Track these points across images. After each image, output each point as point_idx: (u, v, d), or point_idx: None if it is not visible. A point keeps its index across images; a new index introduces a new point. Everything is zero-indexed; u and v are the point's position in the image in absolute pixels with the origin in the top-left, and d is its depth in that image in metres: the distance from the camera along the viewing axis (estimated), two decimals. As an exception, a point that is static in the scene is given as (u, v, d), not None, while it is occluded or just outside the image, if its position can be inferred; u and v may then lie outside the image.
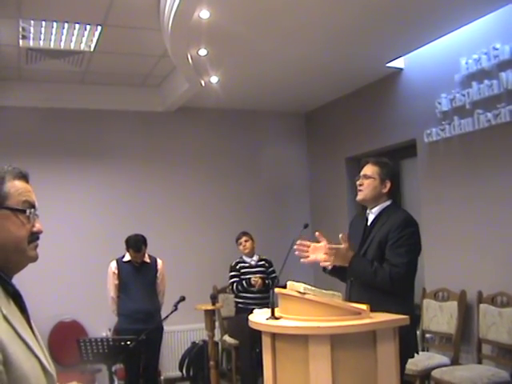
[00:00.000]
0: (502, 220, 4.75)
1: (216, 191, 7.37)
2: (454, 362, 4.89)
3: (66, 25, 5.08)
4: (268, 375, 3.04)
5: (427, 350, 5.30)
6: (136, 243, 5.47)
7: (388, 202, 3.49)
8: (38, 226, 1.58)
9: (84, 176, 6.86)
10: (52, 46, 5.52)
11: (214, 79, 5.97)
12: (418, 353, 3.47)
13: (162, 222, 7.03)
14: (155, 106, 7.19)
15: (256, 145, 7.66)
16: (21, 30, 5.12)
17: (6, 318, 1.41)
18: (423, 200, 5.67)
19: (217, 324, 6.27)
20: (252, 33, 4.90)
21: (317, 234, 3.39)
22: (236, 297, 6.31)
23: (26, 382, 1.38)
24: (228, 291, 6.63)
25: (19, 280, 1.56)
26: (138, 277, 5.56)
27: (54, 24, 5.05)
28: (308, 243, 3.42)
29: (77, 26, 5.10)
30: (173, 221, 7.15)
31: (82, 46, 5.58)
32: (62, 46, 5.56)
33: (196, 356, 6.41)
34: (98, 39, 5.40)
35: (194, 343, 6.66)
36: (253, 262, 6.35)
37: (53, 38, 5.34)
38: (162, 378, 6.54)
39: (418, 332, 4.32)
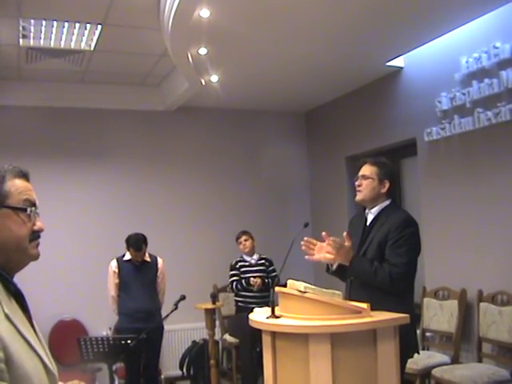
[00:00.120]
0: (502, 219, 4.75)
1: (216, 190, 7.38)
2: (455, 360, 4.89)
3: (67, 24, 5.08)
4: (268, 374, 3.05)
5: (427, 349, 5.31)
6: (136, 242, 5.47)
7: (387, 202, 3.49)
8: (39, 225, 1.58)
9: (84, 175, 6.86)
10: (52, 45, 5.52)
11: (214, 78, 5.97)
12: (418, 352, 3.47)
13: (162, 221, 7.03)
14: (155, 105, 7.19)
15: (256, 144, 7.66)
16: (21, 29, 5.12)
17: (7, 317, 1.41)
18: (423, 199, 5.67)
19: (217, 323, 6.27)
20: (252, 32, 4.90)
21: (323, 234, 3.39)
22: (236, 296, 6.32)
23: (28, 380, 1.38)
24: (228, 290, 6.63)
25: (20, 279, 1.56)
26: (138, 276, 5.56)
27: (55, 23, 5.05)
28: (314, 241, 3.42)
29: (77, 25, 5.10)
30: (173, 220, 7.16)
31: (83, 46, 5.58)
32: (63, 46, 5.55)
33: (196, 355, 6.41)
34: (98, 38, 5.40)
35: (194, 342, 6.67)
36: (253, 261, 6.36)
37: (53, 37, 5.34)
38: (162, 376, 6.54)
39: (418, 331, 4.32)
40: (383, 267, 3.24)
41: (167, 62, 5.96)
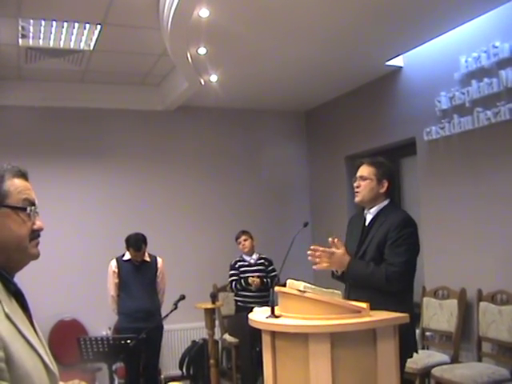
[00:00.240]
0: (502, 218, 4.75)
1: (216, 190, 7.38)
2: (454, 360, 4.89)
3: (66, 24, 5.08)
4: (268, 373, 3.05)
5: (427, 348, 5.31)
6: (136, 242, 5.47)
7: (386, 202, 3.49)
8: (38, 224, 1.59)
9: (84, 175, 6.86)
10: (51, 44, 5.52)
11: (213, 78, 5.97)
12: (417, 352, 3.47)
13: (161, 221, 7.03)
14: (155, 104, 7.19)
15: (256, 143, 7.66)
16: (20, 29, 5.12)
17: (8, 317, 1.41)
18: (423, 198, 5.67)
19: (217, 323, 6.28)
20: (251, 31, 4.90)
21: (330, 239, 3.39)
22: (235, 295, 6.32)
23: (29, 380, 1.38)
24: (228, 290, 6.64)
25: (19, 279, 1.56)
26: (138, 275, 5.56)
27: (54, 23, 5.05)
28: (321, 248, 3.39)
29: (76, 24, 5.10)
30: (172, 219, 7.16)
31: (82, 45, 5.58)
32: (62, 45, 5.55)
33: (196, 355, 6.41)
34: (97, 38, 5.40)
35: (194, 342, 6.67)
36: (252, 261, 6.36)
37: (52, 36, 5.34)
38: (162, 376, 6.54)
39: (417, 331, 4.33)
40: (379, 268, 3.24)
41: (167, 61, 5.96)
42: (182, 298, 4.87)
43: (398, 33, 5.10)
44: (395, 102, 6.11)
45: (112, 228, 6.62)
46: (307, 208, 7.76)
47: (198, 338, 6.72)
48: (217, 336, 6.25)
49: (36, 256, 1.58)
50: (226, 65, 5.74)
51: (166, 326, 5.71)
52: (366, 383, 2.87)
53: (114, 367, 4.78)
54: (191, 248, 7.14)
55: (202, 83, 6.05)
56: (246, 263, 6.33)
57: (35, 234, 1.57)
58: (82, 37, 5.38)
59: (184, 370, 6.46)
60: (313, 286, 2.99)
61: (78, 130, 6.86)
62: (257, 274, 6.21)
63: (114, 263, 5.60)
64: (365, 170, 3.49)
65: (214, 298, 5.74)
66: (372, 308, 2.96)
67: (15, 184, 1.55)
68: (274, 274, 6.26)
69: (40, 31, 5.21)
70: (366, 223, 3.50)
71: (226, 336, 6.60)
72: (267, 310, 3.14)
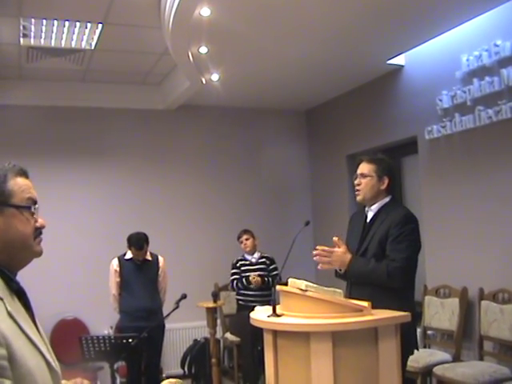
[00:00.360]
0: (503, 216, 4.75)
1: (217, 189, 7.38)
2: (456, 358, 4.88)
3: (67, 23, 5.08)
4: (270, 372, 3.05)
5: (429, 347, 5.31)
6: (138, 241, 5.47)
7: (387, 199, 3.49)
8: (40, 221, 1.60)
9: (85, 174, 6.87)
10: (53, 44, 5.52)
11: (214, 77, 5.97)
12: (417, 349, 3.47)
13: (163, 220, 7.04)
14: (156, 103, 7.19)
15: (257, 142, 7.66)
16: (21, 28, 5.12)
17: (10, 315, 1.41)
18: (424, 197, 5.67)
19: (218, 321, 6.27)
20: (253, 30, 4.90)
21: (334, 239, 3.39)
22: (237, 294, 6.34)
23: (31, 378, 1.39)
24: (229, 289, 6.65)
25: (21, 278, 1.56)
26: (139, 274, 5.56)
27: (55, 22, 5.05)
28: (327, 248, 3.38)
29: (77, 24, 5.10)
30: (174, 218, 7.16)
31: (83, 44, 5.58)
32: (63, 45, 5.56)
33: (198, 354, 6.42)
34: (98, 37, 5.40)
35: (195, 341, 6.67)
36: (253, 260, 6.38)
37: (54, 36, 5.34)
38: (163, 375, 6.53)
39: (419, 329, 4.33)
40: (381, 264, 3.24)
41: (168, 60, 5.96)
42: (184, 296, 4.87)
43: (400, 31, 5.09)
44: (396, 100, 6.11)
45: (113, 227, 6.62)
46: (308, 207, 7.76)
47: (199, 336, 6.73)
48: (218, 335, 6.25)
49: (40, 253, 1.60)
50: (228, 64, 5.74)
51: (168, 324, 5.71)
52: (367, 382, 2.87)
53: (115, 366, 4.79)
54: (193, 247, 7.15)
55: (204, 82, 6.05)
56: (248, 262, 6.34)
57: (38, 232, 1.59)
58: (84, 36, 5.38)
59: (186, 368, 6.46)
60: (314, 285, 2.99)
61: (80, 130, 6.86)
62: (258, 272, 6.22)
63: (115, 262, 5.60)
64: (365, 168, 3.49)
65: (215, 296, 5.75)
66: (373, 305, 2.96)
67: (18, 183, 1.56)
68: (275, 272, 6.27)
69: (41, 30, 5.21)
70: (368, 220, 3.50)
71: (228, 335, 6.60)
72: (269, 308, 3.13)
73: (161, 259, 5.74)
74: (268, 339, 3.05)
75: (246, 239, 6.40)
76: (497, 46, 4.73)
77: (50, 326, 6.41)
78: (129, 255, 5.58)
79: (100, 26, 5.15)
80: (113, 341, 4.52)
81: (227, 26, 4.69)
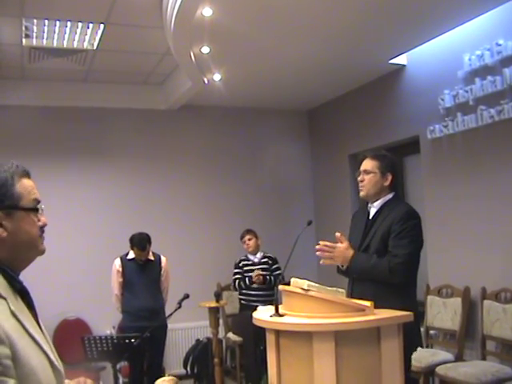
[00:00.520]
0: (506, 216, 4.74)
1: (219, 189, 7.38)
2: (458, 358, 4.88)
3: (69, 23, 5.09)
4: (272, 372, 3.05)
5: (431, 347, 5.31)
6: (140, 242, 5.47)
7: (390, 196, 3.48)
8: (43, 220, 1.61)
9: (87, 174, 6.88)
10: (55, 44, 5.53)
11: (216, 77, 5.97)
12: (422, 346, 3.46)
13: (165, 220, 7.04)
14: (158, 104, 7.20)
15: (259, 142, 7.66)
16: (24, 28, 5.13)
17: (14, 314, 1.42)
18: (427, 196, 5.66)
19: (221, 321, 6.28)
20: (254, 30, 4.90)
21: (337, 234, 3.38)
22: (239, 294, 6.35)
23: (35, 377, 1.39)
24: (232, 288, 6.65)
25: (24, 278, 1.57)
26: (142, 274, 5.56)
27: (57, 22, 5.05)
28: (330, 244, 3.38)
29: (79, 24, 5.11)
30: (176, 218, 7.16)
31: (85, 45, 5.59)
32: (65, 45, 5.56)
33: (200, 353, 6.41)
34: (100, 37, 5.41)
35: (198, 341, 6.67)
36: (256, 260, 6.39)
37: (56, 36, 5.35)
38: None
39: (421, 329, 4.32)
40: (383, 260, 3.24)
41: (170, 60, 5.96)
42: (186, 296, 4.87)
43: (402, 31, 5.09)
44: (398, 100, 6.10)
45: (116, 227, 6.63)
46: (311, 206, 7.76)
47: (202, 336, 6.72)
48: (221, 335, 6.26)
49: (43, 252, 1.61)
50: (229, 64, 5.74)
51: (170, 324, 5.71)
52: (370, 381, 2.86)
53: (118, 366, 4.79)
54: (195, 247, 7.15)
55: (206, 82, 6.05)
56: (250, 262, 6.36)
57: (41, 231, 1.60)
58: (86, 36, 5.39)
59: (188, 368, 6.45)
60: (317, 285, 2.99)
61: (82, 130, 6.86)
62: (260, 266, 6.26)
63: (117, 262, 5.61)
64: (368, 164, 3.48)
65: (218, 296, 5.75)
66: (376, 302, 2.95)
67: (24, 184, 1.56)
68: (278, 272, 6.28)
69: (43, 31, 5.21)
70: (370, 217, 3.50)
71: (230, 335, 6.60)
72: (271, 308, 3.13)
73: (163, 259, 5.74)
74: (270, 339, 3.05)
75: (249, 239, 6.41)
76: (499, 45, 4.73)
77: (52, 326, 6.42)
78: (131, 255, 5.58)
79: (102, 26, 5.15)
80: (115, 341, 4.53)
81: (229, 26, 4.69)
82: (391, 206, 3.41)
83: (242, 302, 6.30)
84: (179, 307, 4.74)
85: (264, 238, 6.60)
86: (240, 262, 6.38)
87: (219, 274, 6.84)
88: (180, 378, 6.54)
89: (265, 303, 5.29)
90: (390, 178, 3.45)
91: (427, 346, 5.24)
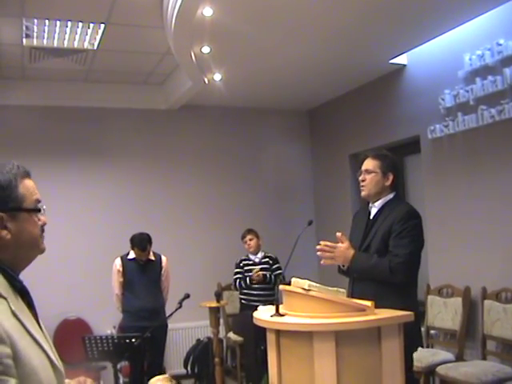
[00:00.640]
0: (506, 216, 4.74)
1: (220, 189, 7.38)
2: (459, 358, 4.88)
3: (70, 23, 5.09)
4: (273, 372, 3.05)
5: (432, 347, 5.30)
6: (141, 242, 5.47)
7: (391, 196, 3.48)
8: (43, 219, 1.61)
9: (88, 174, 6.88)
10: (55, 44, 5.53)
11: (217, 77, 5.97)
12: (422, 346, 3.46)
13: (166, 220, 7.05)
14: (158, 103, 7.20)
15: (259, 142, 7.66)
16: (24, 28, 5.13)
17: (14, 314, 1.42)
18: (427, 196, 5.66)
19: (221, 321, 6.28)
20: (255, 30, 4.90)
21: (338, 234, 3.38)
22: (240, 293, 6.35)
23: (35, 377, 1.39)
24: (232, 288, 6.66)
25: (24, 278, 1.57)
26: (142, 274, 5.57)
27: (58, 22, 5.05)
28: (330, 244, 3.38)
29: (80, 24, 5.11)
30: (177, 218, 7.16)
31: (86, 45, 5.59)
32: (66, 45, 5.56)
33: (201, 353, 6.41)
34: (101, 37, 5.41)
35: (198, 340, 6.66)
36: (257, 260, 6.39)
37: (56, 36, 5.35)
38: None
39: (422, 329, 4.32)
40: (383, 259, 3.24)
41: (170, 60, 5.96)
42: (187, 296, 4.87)
43: (402, 31, 5.09)
44: (399, 100, 6.10)
45: (116, 227, 6.64)
46: (311, 206, 7.76)
47: (202, 336, 6.72)
48: (221, 334, 6.26)
49: (43, 250, 1.61)
50: (230, 64, 5.74)
51: (171, 324, 5.72)
52: (370, 381, 2.86)
53: (118, 366, 4.78)
54: (196, 247, 7.15)
55: (206, 82, 6.05)
56: (251, 262, 6.37)
57: (41, 230, 1.60)
58: (86, 36, 5.39)
59: (189, 368, 6.45)
60: (317, 285, 2.99)
61: (82, 130, 6.86)
62: (261, 266, 6.26)
63: (118, 262, 5.61)
64: (370, 164, 3.48)
65: (218, 296, 5.75)
66: (377, 302, 2.95)
67: (26, 185, 1.56)
68: (278, 272, 6.28)
69: (44, 31, 5.21)
70: (371, 216, 3.50)
71: (231, 334, 6.60)
72: (272, 308, 3.13)
73: (164, 259, 5.74)
74: (271, 339, 3.05)
75: (250, 239, 6.41)
76: (499, 45, 4.73)
77: (53, 326, 6.43)
78: (131, 255, 5.59)
79: (102, 26, 5.15)
80: (116, 341, 4.53)
81: (229, 25, 4.69)
82: (392, 206, 3.42)
83: (243, 301, 6.30)
84: (180, 307, 4.75)
85: (265, 237, 6.60)
86: (241, 262, 6.38)
87: (220, 273, 6.84)
88: (180, 377, 6.57)
89: (265, 303, 5.29)
90: (391, 177, 3.45)
91: (428, 346, 5.24)
